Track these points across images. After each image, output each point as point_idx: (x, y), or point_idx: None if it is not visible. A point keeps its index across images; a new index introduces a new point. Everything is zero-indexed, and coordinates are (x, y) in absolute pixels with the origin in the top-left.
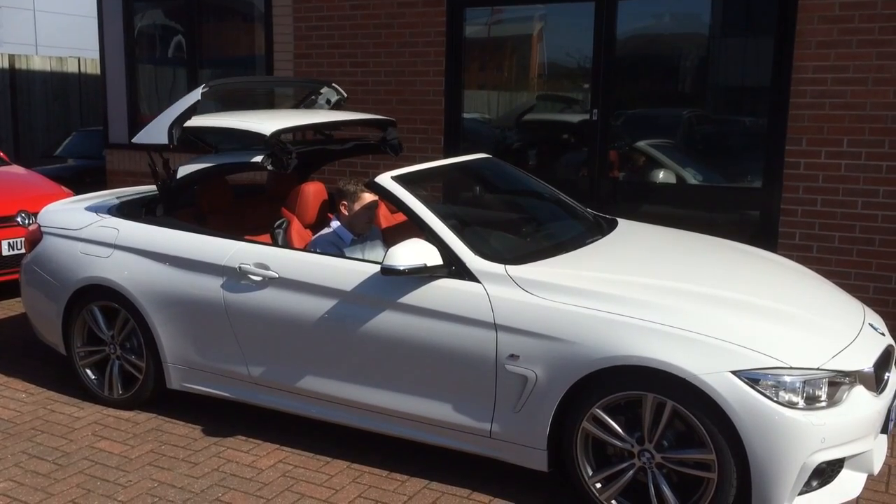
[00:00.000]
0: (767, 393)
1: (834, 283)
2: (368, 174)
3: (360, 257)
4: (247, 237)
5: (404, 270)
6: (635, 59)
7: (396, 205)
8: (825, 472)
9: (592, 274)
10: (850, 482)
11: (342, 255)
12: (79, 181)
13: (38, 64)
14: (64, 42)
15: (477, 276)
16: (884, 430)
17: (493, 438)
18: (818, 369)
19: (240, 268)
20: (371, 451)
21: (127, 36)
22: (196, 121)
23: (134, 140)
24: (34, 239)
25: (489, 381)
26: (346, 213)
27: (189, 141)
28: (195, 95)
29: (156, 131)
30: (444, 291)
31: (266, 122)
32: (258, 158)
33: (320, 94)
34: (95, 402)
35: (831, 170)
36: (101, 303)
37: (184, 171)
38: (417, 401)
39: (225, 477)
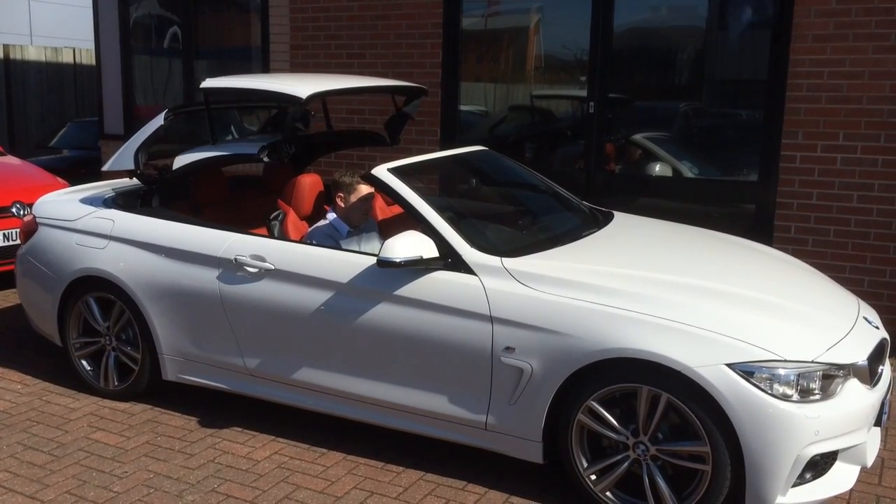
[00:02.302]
0: (762, 385)
1: (829, 276)
2: (365, 166)
3: (357, 249)
4: (243, 229)
5: (400, 263)
6: (632, 52)
7: (393, 197)
8: (819, 465)
9: (588, 267)
10: (844, 474)
11: (338, 248)
12: (74, 172)
13: (33, 54)
14: (59, 32)
15: (473, 268)
16: (877, 422)
17: (489, 430)
18: (812, 362)
19: (236, 259)
20: (366, 443)
21: (122, 26)
22: (225, 81)
23: (104, 169)
24: (29, 230)
25: (485, 373)
26: (343, 204)
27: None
28: (158, 121)
29: (123, 158)
30: (440, 284)
31: (299, 85)
32: (255, 150)
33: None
34: (91, 394)
35: (827, 163)
36: (96, 294)
37: (180, 162)
38: (413, 392)
39: (220, 468)
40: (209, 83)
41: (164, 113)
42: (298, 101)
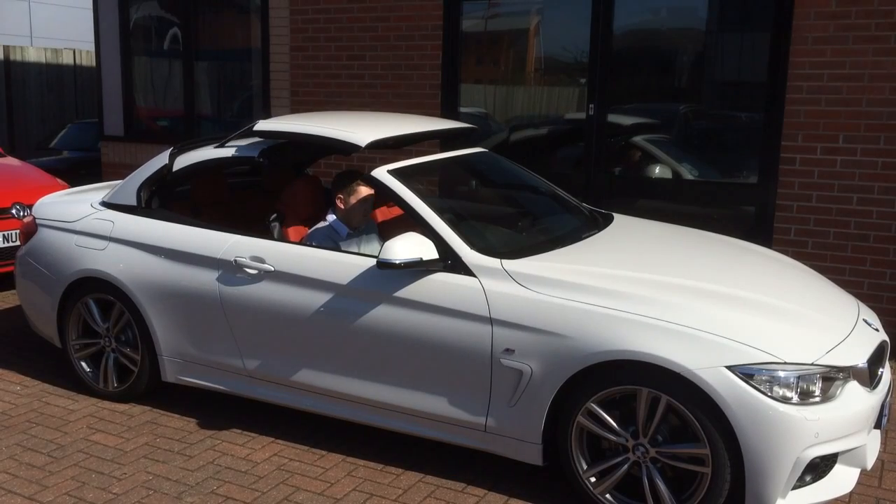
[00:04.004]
0: (762, 388)
1: (828, 278)
2: (364, 168)
3: (356, 251)
4: (243, 230)
5: (400, 264)
6: (632, 54)
7: (392, 198)
8: (819, 467)
9: (588, 269)
10: (844, 477)
11: (338, 249)
12: (74, 173)
13: (34, 55)
14: (59, 33)
15: (473, 270)
16: (877, 425)
17: (488, 432)
18: (812, 364)
19: (235, 261)
20: (366, 445)
21: (123, 27)
22: (278, 124)
23: (104, 200)
24: (29, 231)
25: (484, 375)
26: (342, 206)
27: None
28: (163, 159)
29: (125, 192)
30: (439, 285)
31: (358, 131)
32: (255, 153)
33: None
34: (90, 395)
35: (826, 165)
36: (96, 295)
37: (180, 163)
38: (412, 394)
39: (220, 470)
40: (262, 126)
41: (168, 151)
42: (357, 149)
